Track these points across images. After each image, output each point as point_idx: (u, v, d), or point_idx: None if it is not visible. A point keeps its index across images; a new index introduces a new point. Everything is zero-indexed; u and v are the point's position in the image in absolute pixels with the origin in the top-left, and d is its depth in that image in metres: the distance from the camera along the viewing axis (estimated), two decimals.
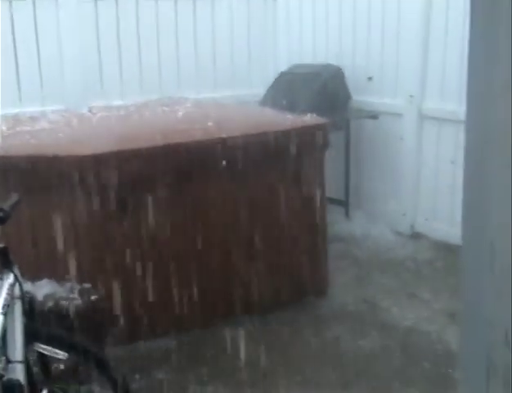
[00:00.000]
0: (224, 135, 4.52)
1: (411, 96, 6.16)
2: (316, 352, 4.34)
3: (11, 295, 2.70)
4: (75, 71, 6.35)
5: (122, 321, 4.24)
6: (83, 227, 4.20)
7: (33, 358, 2.89)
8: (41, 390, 2.93)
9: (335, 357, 4.28)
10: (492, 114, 1.07)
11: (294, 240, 4.84)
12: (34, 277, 3.85)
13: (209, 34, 7.13)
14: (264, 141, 4.60)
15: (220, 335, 4.46)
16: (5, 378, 2.56)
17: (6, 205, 2.76)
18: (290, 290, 4.81)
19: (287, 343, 4.41)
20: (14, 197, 2.85)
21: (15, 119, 5.09)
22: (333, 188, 6.04)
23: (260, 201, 4.69)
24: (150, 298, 4.38)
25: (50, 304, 3.77)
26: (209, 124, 4.82)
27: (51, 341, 2.90)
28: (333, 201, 6.38)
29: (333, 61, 6.72)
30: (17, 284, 2.78)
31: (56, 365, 3.14)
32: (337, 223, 6.36)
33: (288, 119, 5.04)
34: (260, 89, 6.87)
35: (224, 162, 4.38)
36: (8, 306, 2.66)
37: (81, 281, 4.05)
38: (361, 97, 6.64)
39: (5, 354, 2.61)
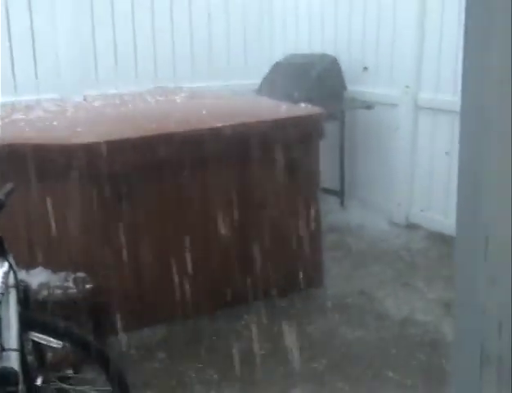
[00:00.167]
0: (219, 124, 4.52)
1: (407, 86, 6.16)
2: (311, 341, 4.35)
3: (5, 284, 2.70)
4: (70, 60, 6.34)
5: (118, 309, 4.24)
6: (77, 215, 4.19)
7: (27, 346, 2.90)
8: (35, 379, 2.94)
9: (330, 346, 4.29)
10: (487, 105, 1.07)
11: (288, 230, 4.84)
12: (29, 265, 3.85)
13: (205, 24, 7.12)
14: (259, 130, 4.60)
15: (214, 324, 4.48)
16: (0, 366, 2.56)
17: (1, 194, 2.76)
18: (285, 280, 4.82)
19: (282, 333, 4.42)
20: (8, 186, 2.85)
21: (11, 108, 5.08)
22: (328, 178, 6.05)
23: (254, 190, 4.69)
24: (146, 287, 4.39)
25: (44, 292, 3.77)
26: (204, 113, 4.81)
27: (46, 330, 2.90)
28: (328, 191, 6.40)
29: (328, 51, 6.71)
30: (12, 273, 2.78)
31: (50, 353, 3.14)
32: (332, 213, 6.38)
33: (283, 109, 5.04)
34: (256, 79, 6.86)
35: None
36: (3, 295, 2.66)
37: (76, 270, 4.05)
38: (357, 87, 6.64)
39: (0, 342, 2.61)
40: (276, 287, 4.79)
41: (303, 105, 5.10)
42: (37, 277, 3.84)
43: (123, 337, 4.23)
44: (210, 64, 7.19)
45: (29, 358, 2.92)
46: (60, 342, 2.89)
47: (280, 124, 4.71)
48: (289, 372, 3.99)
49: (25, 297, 2.87)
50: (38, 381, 2.95)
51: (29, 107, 5.18)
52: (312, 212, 4.98)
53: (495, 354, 1.15)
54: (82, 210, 4.18)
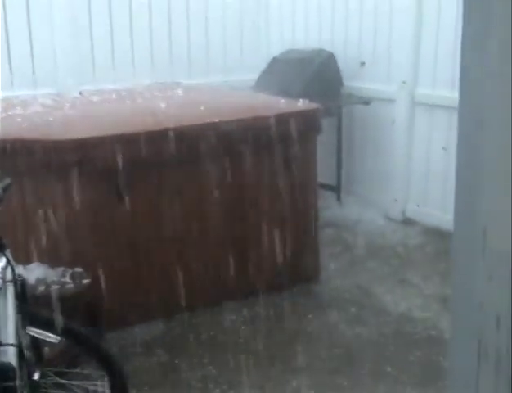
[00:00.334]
0: (216, 119, 4.52)
1: (404, 82, 6.17)
2: (308, 336, 4.35)
3: (3, 279, 2.70)
4: (67, 55, 6.33)
5: (115, 305, 4.24)
6: (74, 210, 4.19)
7: (25, 341, 2.90)
8: (33, 374, 2.94)
9: (327, 342, 4.30)
10: (485, 101, 1.08)
11: (285, 225, 4.84)
12: (26, 261, 3.85)
13: (202, 19, 7.11)
14: (256, 125, 4.60)
15: (212, 320, 4.49)
16: None
17: None
18: (282, 276, 4.82)
19: (279, 328, 4.43)
20: (6, 181, 2.85)
21: (7, 103, 5.07)
22: (325, 174, 6.05)
23: (251, 185, 4.69)
24: (144, 282, 4.39)
25: (42, 287, 3.77)
26: (202, 108, 4.81)
27: (44, 325, 2.91)
28: (325, 186, 6.40)
29: (325, 47, 6.71)
30: (9, 268, 2.78)
31: (48, 348, 3.14)
32: (329, 208, 6.38)
33: (280, 105, 5.04)
34: (253, 74, 6.86)
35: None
36: (0, 290, 2.66)
37: (73, 265, 4.05)
38: (354, 83, 6.64)
39: None
40: (272, 282, 4.79)
41: (300, 100, 5.10)
42: (34, 273, 3.84)
43: (120, 332, 4.24)
44: (207, 60, 7.19)
45: (27, 353, 2.92)
46: (58, 337, 2.90)
47: (278, 120, 4.70)
48: (286, 367, 3.99)
49: (23, 292, 2.87)
50: (36, 376, 2.95)
51: (25, 102, 5.18)
52: (310, 207, 4.98)
53: (493, 350, 1.15)
54: (79, 205, 4.17)
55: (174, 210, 4.43)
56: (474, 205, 1.13)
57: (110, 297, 4.21)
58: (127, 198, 4.26)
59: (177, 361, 4.06)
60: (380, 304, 4.77)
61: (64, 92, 5.89)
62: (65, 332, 2.98)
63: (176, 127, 4.38)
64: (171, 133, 4.32)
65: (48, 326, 2.91)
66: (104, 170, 4.16)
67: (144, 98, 5.40)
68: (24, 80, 6.14)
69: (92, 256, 4.22)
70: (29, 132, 4.30)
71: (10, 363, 2.57)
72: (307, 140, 4.89)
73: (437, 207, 5.99)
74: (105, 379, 3.13)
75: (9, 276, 2.76)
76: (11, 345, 2.63)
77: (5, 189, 2.80)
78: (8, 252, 2.80)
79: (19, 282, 2.84)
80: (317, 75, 6.45)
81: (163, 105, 5.10)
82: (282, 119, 4.74)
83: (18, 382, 2.59)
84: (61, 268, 3.97)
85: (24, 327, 2.83)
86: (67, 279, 3.89)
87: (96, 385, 3.23)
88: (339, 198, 6.72)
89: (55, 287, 3.78)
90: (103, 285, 4.16)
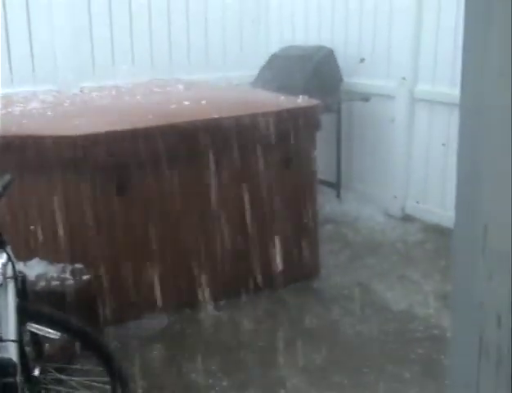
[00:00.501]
0: (216, 116, 4.52)
1: (404, 78, 6.16)
2: (308, 333, 4.36)
3: (4, 275, 2.70)
4: (67, 52, 6.33)
5: (116, 300, 4.25)
6: (74, 207, 4.20)
7: (25, 337, 2.90)
8: (33, 369, 2.94)
9: (328, 339, 4.30)
10: (487, 98, 1.08)
11: (285, 221, 4.85)
12: (26, 257, 3.86)
13: (202, 15, 7.11)
14: (256, 122, 4.60)
15: (212, 315, 4.50)
16: None
17: None
18: (282, 272, 4.82)
19: (280, 324, 4.43)
20: (6, 177, 2.85)
21: (7, 100, 5.07)
22: (324, 170, 6.05)
23: (251, 181, 4.69)
24: (144, 277, 4.40)
25: (42, 283, 3.78)
26: (201, 105, 4.82)
27: (44, 321, 2.91)
28: (324, 182, 6.40)
29: (325, 43, 6.70)
30: (10, 264, 2.78)
31: (48, 344, 3.15)
32: (328, 204, 6.38)
33: (280, 101, 5.04)
34: (252, 71, 6.85)
35: None
36: (1, 286, 2.67)
37: (73, 261, 4.06)
38: (354, 79, 6.64)
39: None
40: (272, 278, 4.80)
41: (299, 97, 5.10)
42: (34, 269, 3.85)
43: (120, 328, 4.24)
44: (207, 56, 7.18)
45: (27, 349, 2.93)
46: (58, 333, 2.91)
47: (277, 116, 4.71)
48: (287, 364, 4.00)
49: (23, 288, 2.87)
50: (36, 372, 2.96)
51: (26, 99, 5.18)
52: (309, 203, 4.99)
53: (494, 348, 1.16)
54: (79, 201, 4.18)
55: (175, 205, 4.43)
56: (475, 204, 1.13)
57: (110, 293, 4.21)
58: (127, 193, 4.26)
59: (177, 356, 4.07)
60: (381, 301, 4.77)
61: (64, 88, 5.89)
62: (65, 328, 2.99)
63: (176, 123, 4.38)
64: (171, 129, 4.33)
65: (48, 322, 2.91)
66: (104, 166, 4.16)
67: (144, 95, 5.40)
68: (24, 77, 6.13)
69: (91, 252, 4.23)
70: (30, 128, 4.30)
71: (10, 359, 2.57)
72: (306, 136, 4.89)
73: (437, 204, 5.99)
74: (105, 375, 3.13)
75: (10, 272, 2.77)
76: (12, 340, 2.63)
77: (5, 186, 2.80)
78: (9, 248, 2.80)
79: (19, 279, 2.84)
80: (317, 71, 6.44)
81: (162, 101, 5.11)
82: (282, 115, 4.74)
83: (18, 378, 2.60)
84: (61, 265, 3.98)
85: (24, 323, 2.83)
86: (67, 275, 3.90)
87: (96, 381, 3.24)
88: (338, 195, 6.72)
89: (55, 283, 3.79)
90: (103, 281, 4.17)
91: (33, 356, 2.99)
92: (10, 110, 4.75)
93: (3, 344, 2.60)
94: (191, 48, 7.09)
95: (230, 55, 7.29)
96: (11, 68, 6.13)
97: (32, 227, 4.19)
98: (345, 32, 6.77)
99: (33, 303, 3.04)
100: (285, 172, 4.79)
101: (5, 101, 4.96)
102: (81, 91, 5.62)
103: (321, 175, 5.41)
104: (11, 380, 2.53)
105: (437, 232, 5.77)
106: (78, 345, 3.24)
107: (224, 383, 3.82)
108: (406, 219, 6.28)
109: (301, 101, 5.03)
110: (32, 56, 6.24)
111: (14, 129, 4.24)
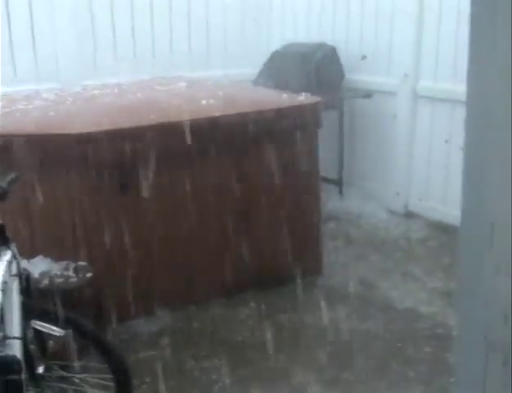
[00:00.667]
0: (218, 114, 4.52)
1: (406, 74, 6.16)
2: (312, 330, 4.36)
3: (8, 273, 2.71)
4: (70, 50, 6.33)
5: (119, 298, 4.25)
6: (77, 204, 4.20)
7: (30, 335, 2.91)
8: (37, 367, 2.95)
9: (331, 335, 4.30)
10: (493, 98, 1.08)
11: (288, 218, 4.85)
12: (30, 254, 3.86)
13: (203, 13, 7.10)
14: (258, 119, 4.61)
15: (215, 313, 4.50)
16: (2, 354, 2.57)
17: (4, 182, 2.77)
18: (285, 269, 4.82)
19: (284, 321, 4.43)
20: (12, 175, 2.86)
21: (10, 98, 5.07)
22: (326, 167, 6.05)
23: (254, 179, 4.69)
24: (148, 275, 4.40)
25: (46, 281, 3.78)
26: (204, 102, 4.82)
27: (48, 318, 2.92)
28: (326, 179, 6.40)
29: (327, 40, 6.70)
30: (14, 261, 2.79)
31: (52, 342, 3.15)
32: (331, 201, 6.38)
33: (282, 98, 5.04)
34: (254, 68, 6.85)
35: None
36: (6, 283, 2.67)
37: (77, 258, 4.06)
38: (355, 76, 6.63)
39: (2, 330, 2.62)
40: (275, 276, 4.80)
41: (301, 94, 5.10)
42: (38, 266, 3.85)
43: (124, 325, 4.25)
44: (208, 53, 7.18)
45: (31, 346, 2.94)
46: (62, 330, 2.91)
47: (279, 114, 4.71)
48: (291, 361, 4.00)
49: (27, 286, 2.88)
50: (40, 370, 2.97)
51: (28, 97, 5.18)
52: (312, 200, 4.99)
53: (500, 346, 1.15)
54: (83, 199, 4.19)
55: (178, 202, 4.44)
56: (482, 201, 1.13)
57: (113, 291, 4.22)
58: (130, 191, 4.26)
59: (181, 353, 4.07)
60: (384, 298, 4.76)
61: (67, 86, 5.89)
62: (69, 326, 3.00)
63: (178, 121, 4.38)
64: (174, 127, 4.33)
65: (52, 319, 2.92)
66: (107, 164, 4.17)
67: (146, 92, 5.40)
68: (27, 75, 6.13)
69: (96, 250, 4.23)
70: (32, 126, 4.30)
71: (15, 356, 2.58)
72: (308, 134, 4.88)
73: (440, 201, 5.99)
74: (109, 372, 3.14)
75: (14, 270, 2.78)
76: (16, 338, 2.64)
77: (10, 182, 2.81)
78: (13, 246, 2.81)
79: (23, 276, 2.86)
80: (319, 69, 6.44)
81: (165, 99, 5.11)
82: (284, 112, 4.74)
83: (23, 375, 2.61)
84: (65, 262, 3.98)
85: (28, 321, 2.84)
86: (71, 273, 3.90)
87: (100, 378, 3.24)
88: (340, 192, 6.72)
89: (59, 281, 3.79)
90: (106, 278, 4.18)
91: (37, 353, 3.00)
92: (13, 108, 4.75)
93: (8, 341, 2.61)
94: (193, 46, 7.08)
95: (231, 52, 7.29)
96: (14, 66, 6.13)
97: (35, 224, 4.19)
98: (347, 29, 6.77)
99: (37, 300, 3.05)
100: (288, 169, 4.79)
101: (8, 100, 4.96)
102: (84, 89, 5.62)
103: (323, 172, 5.40)
104: (15, 377, 2.54)
105: (440, 229, 5.77)
106: (82, 342, 3.24)
107: (227, 380, 3.82)
108: (409, 215, 6.28)
109: (303, 98, 5.03)
110: (35, 54, 6.24)
111: (16, 127, 4.24)
